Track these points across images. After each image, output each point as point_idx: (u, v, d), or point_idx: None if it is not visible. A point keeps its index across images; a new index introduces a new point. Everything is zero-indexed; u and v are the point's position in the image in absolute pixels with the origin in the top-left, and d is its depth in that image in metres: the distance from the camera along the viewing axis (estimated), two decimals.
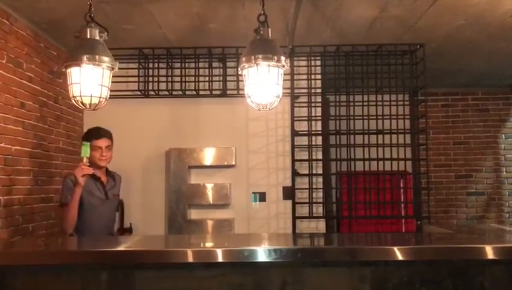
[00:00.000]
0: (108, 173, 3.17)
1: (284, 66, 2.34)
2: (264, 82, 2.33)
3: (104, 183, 3.10)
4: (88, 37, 2.37)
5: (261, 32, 2.35)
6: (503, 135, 5.90)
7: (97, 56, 2.30)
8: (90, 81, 2.31)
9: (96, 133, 3.07)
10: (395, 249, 1.94)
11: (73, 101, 2.39)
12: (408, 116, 4.25)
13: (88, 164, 2.85)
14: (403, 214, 4.28)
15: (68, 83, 2.37)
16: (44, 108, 3.60)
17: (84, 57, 2.28)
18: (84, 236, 2.97)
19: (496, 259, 1.92)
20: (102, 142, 3.04)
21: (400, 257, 1.91)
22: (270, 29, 2.39)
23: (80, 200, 2.94)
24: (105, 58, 2.32)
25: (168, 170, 4.10)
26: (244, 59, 2.33)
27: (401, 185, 4.28)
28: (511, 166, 5.88)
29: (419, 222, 4.20)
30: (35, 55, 3.48)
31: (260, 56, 2.28)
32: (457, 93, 5.88)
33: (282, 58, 2.32)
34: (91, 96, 2.33)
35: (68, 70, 2.34)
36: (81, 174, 2.80)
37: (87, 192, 2.98)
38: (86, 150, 2.83)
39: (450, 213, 5.84)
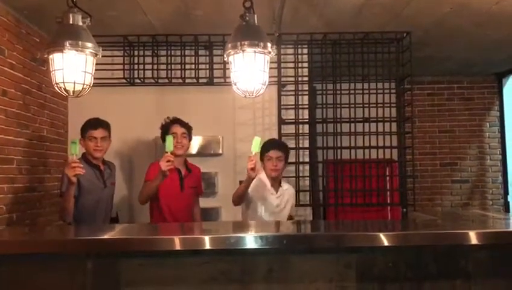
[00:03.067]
0: (104, 161, 3.23)
1: (270, 52, 2.33)
2: (250, 69, 2.31)
3: (102, 171, 3.16)
4: (71, 22, 2.33)
5: (247, 18, 2.33)
6: (488, 124, 5.96)
7: (80, 42, 2.26)
8: (73, 67, 2.28)
9: (92, 124, 3.10)
10: (381, 235, 1.96)
11: (56, 88, 2.35)
12: (394, 105, 4.27)
13: (78, 161, 2.77)
14: (388, 201, 4.31)
15: (51, 70, 2.33)
16: (28, 96, 3.54)
17: (67, 43, 2.24)
18: (84, 223, 3.02)
19: (479, 244, 1.95)
20: (98, 133, 3.08)
21: (385, 242, 1.92)
22: (256, 16, 2.37)
23: (80, 188, 2.98)
24: (89, 44, 2.28)
25: (155, 158, 4.06)
26: (230, 45, 2.31)
27: (387, 173, 4.31)
28: (495, 154, 5.95)
29: (404, 210, 4.24)
30: (17, 42, 3.40)
31: (246, 42, 2.26)
32: (443, 82, 5.92)
33: (269, 44, 2.31)
34: (74, 83, 2.30)
35: (50, 56, 2.30)
36: (72, 174, 2.72)
37: (87, 180, 3.02)
38: (74, 148, 2.74)
39: (435, 201, 5.91)
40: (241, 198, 3.07)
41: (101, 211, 3.14)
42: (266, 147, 3.18)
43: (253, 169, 2.84)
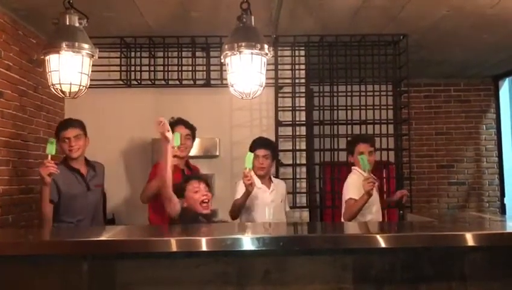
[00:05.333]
0: (87, 163, 3.10)
1: (267, 54, 2.33)
2: (247, 70, 2.31)
3: (83, 175, 3.03)
4: (67, 23, 2.33)
5: (244, 19, 2.33)
6: (484, 126, 5.98)
7: (76, 43, 2.26)
8: (69, 68, 2.28)
9: (63, 125, 3.02)
10: (378, 236, 1.96)
11: (52, 89, 2.34)
12: (391, 107, 4.28)
13: (54, 162, 2.72)
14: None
15: (47, 71, 2.32)
16: (24, 97, 3.53)
17: (63, 44, 2.24)
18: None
19: (475, 246, 1.95)
20: (70, 133, 2.95)
21: (382, 244, 1.92)
22: (253, 17, 2.37)
23: (60, 194, 2.87)
24: (85, 45, 2.28)
25: (152, 160, 4.06)
26: (226, 47, 2.31)
27: (384, 175, 4.31)
28: (491, 156, 5.97)
29: (401, 212, 4.24)
30: (14, 43, 3.40)
31: (243, 44, 2.27)
32: (439, 84, 5.93)
33: (266, 46, 2.31)
34: (70, 84, 2.29)
35: (47, 57, 2.30)
36: (46, 173, 2.66)
37: (66, 185, 2.91)
38: (51, 148, 2.69)
39: (431, 203, 5.92)
40: (239, 210, 3.15)
41: (89, 215, 3.02)
42: (253, 145, 3.26)
43: (251, 184, 2.92)
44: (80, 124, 3.02)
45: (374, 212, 3.23)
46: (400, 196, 3.68)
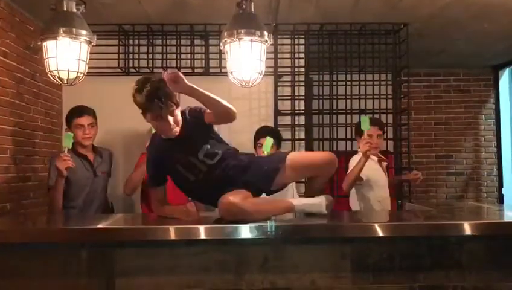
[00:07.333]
0: (95, 150, 3.12)
1: (267, 41, 2.31)
2: (246, 57, 2.29)
3: (91, 161, 3.06)
4: (64, 9, 2.30)
5: (244, 6, 2.31)
6: (483, 116, 5.97)
7: (74, 29, 2.24)
8: (67, 55, 2.26)
9: (77, 111, 3.00)
10: (376, 225, 1.96)
11: (49, 76, 2.33)
12: (390, 96, 4.26)
13: (68, 155, 2.75)
14: None
15: (44, 57, 2.30)
16: (21, 85, 3.50)
17: (61, 30, 2.22)
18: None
19: (473, 235, 1.96)
20: (85, 120, 2.98)
21: (380, 233, 1.93)
22: (252, 4, 2.34)
23: (67, 181, 2.89)
24: (83, 32, 2.26)
25: None
26: (226, 34, 2.29)
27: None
28: (490, 147, 5.96)
29: (399, 201, 4.25)
30: (10, 30, 3.36)
31: (243, 31, 2.25)
32: (439, 74, 5.91)
33: (265, 33, 2.29)
34: (68, 71, 2.27)
35: (44, 43, 2.28)
36: (64, 167, 2.69)
37: (74, 171, 2.91)
38: (68, 141, 2.72)
39: (430, 193, 5.92)
40: None
41: (96, 201, 3.07)
42: (257, 134, 3.28)
43: None
44: (93, 113, 3.04)
45: (381, 198, 3.21)
46: (412, 177, 3.63)
